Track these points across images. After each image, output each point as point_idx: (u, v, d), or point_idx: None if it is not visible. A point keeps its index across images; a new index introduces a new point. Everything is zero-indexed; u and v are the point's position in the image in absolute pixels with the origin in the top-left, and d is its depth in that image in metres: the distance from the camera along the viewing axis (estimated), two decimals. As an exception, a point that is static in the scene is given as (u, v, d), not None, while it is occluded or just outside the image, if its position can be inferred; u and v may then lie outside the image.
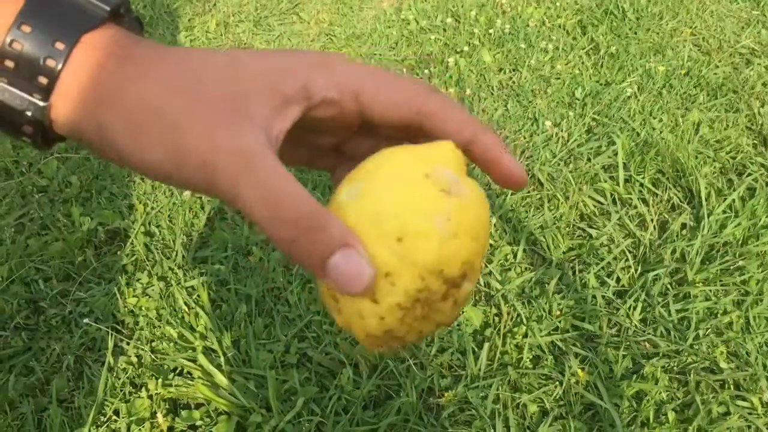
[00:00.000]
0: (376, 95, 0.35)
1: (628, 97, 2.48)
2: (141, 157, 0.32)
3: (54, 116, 0.33)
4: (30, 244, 1.84)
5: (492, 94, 2.54)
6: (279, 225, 0.30)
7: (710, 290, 1.72)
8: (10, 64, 0.32)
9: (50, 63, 0.32)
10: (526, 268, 1.80)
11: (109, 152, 0.33)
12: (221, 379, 1.47)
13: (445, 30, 3.01)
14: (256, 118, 0.32)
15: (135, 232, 1.87)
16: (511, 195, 2.03)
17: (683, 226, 1.93)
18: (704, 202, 1.96)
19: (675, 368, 1.55)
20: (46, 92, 0.32)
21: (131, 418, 1.42)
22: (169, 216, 1.94)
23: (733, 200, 1.98)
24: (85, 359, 1.56)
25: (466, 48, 2.83)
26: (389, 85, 0.35)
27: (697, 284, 1.73)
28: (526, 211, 1.98)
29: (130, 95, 0.32)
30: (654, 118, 2.37)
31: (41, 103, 0.32)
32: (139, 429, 1.41)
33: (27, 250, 1.82)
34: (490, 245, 1.85)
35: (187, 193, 2.01)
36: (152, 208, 1.97)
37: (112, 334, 1.58)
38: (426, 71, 2.70)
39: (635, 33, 2.93)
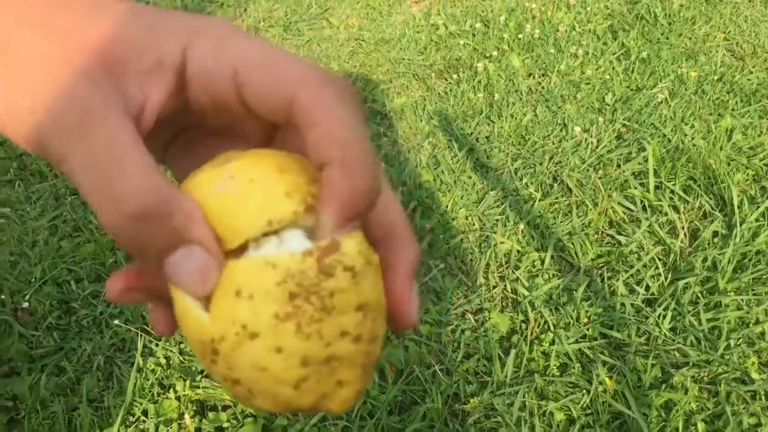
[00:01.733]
0: (252, 73, 0.26)
1: (660, 103, 2.46)
2: None
3: None
4: (63, 245, 1.87)
5: (521, 99, 2.53)
6: (108, 202, 0.24)
7: (742, 299, 1.69)
8: None
9: None
10: (553, 275, 1.79)
11: None
12: (248, 382, 1.48)
13: (474, 35, 3.00)
14: (118, 71, 0.26)
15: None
16: (539, 202, 2.01)
17: (715, 234, 1.90)
18: (737, 210, 1.93)
19: (705, 378, 1.53)
20: None
21: (159, 419, 1.43)
22: (198, 219, 1.97)
23: (767, 208, 1.94)
24: (115, 360, 1.58)
25: (495, 53, 2.82)
26: (271, 62, 0.26)
27: (728, 293, 1.70)
28: (554, 218, 1.97)
29: None
30: (686, 124, 2.34)
31: None
32: (167, 430, 1.42)
33: (60, 252, 1.85)
34: (518, 251, 1.84)
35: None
36: (182, 211, 1.99)
37: (141, 335, 1.60)
38: (455, 76, 2.70)
39: (667, 38, 2.90)
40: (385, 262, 0.28)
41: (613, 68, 2.69)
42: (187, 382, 1.49)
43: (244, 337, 0.25)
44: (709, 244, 1.86)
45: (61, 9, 0.26)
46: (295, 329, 0.25)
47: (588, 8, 3.15)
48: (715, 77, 2.59)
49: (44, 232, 1.93)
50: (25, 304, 1.69)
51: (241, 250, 0.26)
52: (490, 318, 1.65)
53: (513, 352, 1.55)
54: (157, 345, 1.60)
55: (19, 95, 0.25)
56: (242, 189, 0.26)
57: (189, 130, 0.31)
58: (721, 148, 2.20)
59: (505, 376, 1.51)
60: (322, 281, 0.25)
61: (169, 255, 0.25)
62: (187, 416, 1.44)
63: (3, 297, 1.70)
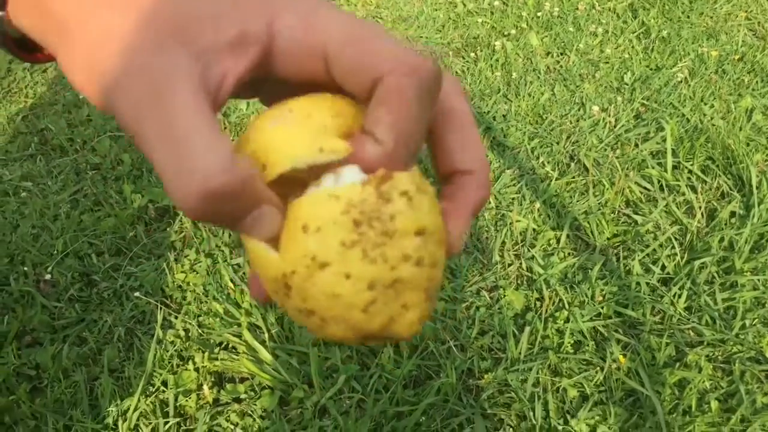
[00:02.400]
0: (341, 51, 0.27)
1: (679, 83, 2.44)
2: (70, 75, 0.27)
3: (18, 25, 0.29)
4: (83, 219, 1.90)
5: (539, 77, 2.52)
6: (182, 177, 0.24)
7: (758, 279, 1.69)
8: None
9: None
10: (569, 254, 1.79)
11: (62, 68, 0.28)
12: (265, 355, 1.51)
13: (492, 13, 2.98)
14: (196, 45, 0.26)
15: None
16: (556, 180, 2.01)
17: (732, 214, 1.90)
18: (755, 190, 1.92)
19: (719, 357, 1.53)
20: (1, 2, 0.29)
21: (178, 389, 1.46)
22: (216, 195, 1.98)
23: (786, 189, 1.93)
24: (135, 331, 1.61)
25: (513, 31, 2.80)
26: (360, 40, 0.27)
27: (745, 273, 1.70)
28: (571, 197, 1.97)
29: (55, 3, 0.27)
30: (705, 104, 2.32)
31: None
32: (186, 400, 1.45)
33: (81, 225, 1.88)
34: (534, 230, 1.85)
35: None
36: (200, 187, 2.01)
37: (161, 308, 1.63)
38: (472, 54, 2.69)
39: (688, 17, 2.86)
40: (451, 197, 0.29)
41: (633, 47, 2.67)
42: (206, 354, 1.52)
43: (314, 268, 0.26)
44: (726, 224, 1.85)
45: None
46: (362, 255, 0.26)
47: (608, -14, 3.11)
48: (736, 57, 2.56)
49: (65, 205, 1.95)
50: (47, 276, 1.72)
51: (302, 189, 0.27)
52: (505, 295, 1.66)
53: (527, 329, 1.56)
54: (176, 317, 1.62)
55: (95, 66, 0.26)
56: (298, 122, 0.27)
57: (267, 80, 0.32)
58: (740, 129, 2.18)
59: (519, 353, 1.53)
60: (382, 206, 0.26)
61: (240, 222, 0.26)
62: (205, 387, 1.46)
63: (26, 269, 1.73)
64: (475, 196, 0.29)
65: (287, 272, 0.27)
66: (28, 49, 0.33)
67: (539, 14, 2.90)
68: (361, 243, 0.26)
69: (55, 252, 1.79)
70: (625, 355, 1.52)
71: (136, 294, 1.67)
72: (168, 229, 1.88)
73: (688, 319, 1.61)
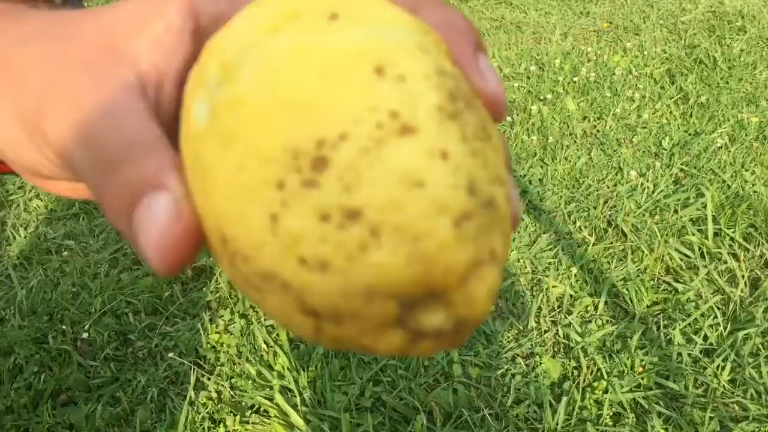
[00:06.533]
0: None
1: (719, 148, 2.41)
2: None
3: None
4: (122, 278, 1.93)
5: (575, 142, 2.52)
6: (86, 158, 0.20)
7: (806, 353, 1.63)
8: None
9: None
10: (607, 321, 1.75)
11: None
12: (297, 419, 1.49)
13: (528, 77, 3.01)
14: (119, 52, 0.22)
15: (219, 270, 1.94)
16: (593, 246, 1.99)
17: (777, 283, 1.84)
18: (800, 259, 1.87)
19: (767, 434, 1.47)
20: None
21: (209, 453, 1.45)
22: (252, 255, 2.00)
23: (833, 258, 1.88)
24: (168, 392, 1.61)
25: (549, 96, 2.82)
26: None
27: (791, 346, 1.65)
28: (609, 262, 1.94)
29: None
30: (746, 170, 2.29)
31: None
32: (216, 464, 1.44)
33: (119, 284, 1.91)
34: (570, 296, 1.82)
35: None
36: (237, 247, 2.03)
37: (194, 369, 1.63)
38: (508, 118, 2.71)
39: (727, 82, 2.85)
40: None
41: (671, 112, 2.66)
42: (237, 417, 1.51)
43: (390, 132, 0.17)
44: (770, 293, 1.80)
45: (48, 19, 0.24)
46: (460, 134, 0.17)
47: (645, 52, 3.13)
48: (777, 123, 2.54)
49: (105, 264, 1.99)
50: (85, 335, 1.74)
51: None
52: (541, 363, 1.62)
53: (564, 399, 1.52)
54: (209, 379, 1.62)
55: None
56: None
57: None
58: (783, 195, 2.14)
59: (557, 424, 1.48)
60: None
61: (136, 204, 0.20)
62: (236, 451, 1.45)
63: (64, 327, 1.75)
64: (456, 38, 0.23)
65: (328, 135, 0.17)
66: None
67: (575, 79, 2.92)
68: (460, 118, 0.18)
69: (93, 310, 1.81)
70: (666, 429, 1.47)
71: (171, 354, 1.67)
72: (204, 288, 1.89)
73: (733, 393, 1.55)
